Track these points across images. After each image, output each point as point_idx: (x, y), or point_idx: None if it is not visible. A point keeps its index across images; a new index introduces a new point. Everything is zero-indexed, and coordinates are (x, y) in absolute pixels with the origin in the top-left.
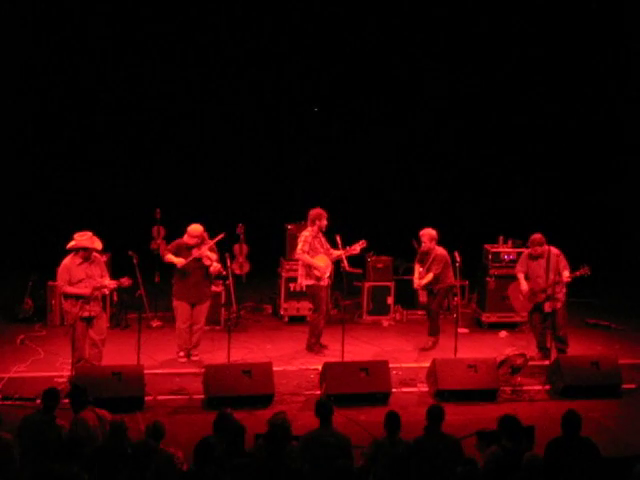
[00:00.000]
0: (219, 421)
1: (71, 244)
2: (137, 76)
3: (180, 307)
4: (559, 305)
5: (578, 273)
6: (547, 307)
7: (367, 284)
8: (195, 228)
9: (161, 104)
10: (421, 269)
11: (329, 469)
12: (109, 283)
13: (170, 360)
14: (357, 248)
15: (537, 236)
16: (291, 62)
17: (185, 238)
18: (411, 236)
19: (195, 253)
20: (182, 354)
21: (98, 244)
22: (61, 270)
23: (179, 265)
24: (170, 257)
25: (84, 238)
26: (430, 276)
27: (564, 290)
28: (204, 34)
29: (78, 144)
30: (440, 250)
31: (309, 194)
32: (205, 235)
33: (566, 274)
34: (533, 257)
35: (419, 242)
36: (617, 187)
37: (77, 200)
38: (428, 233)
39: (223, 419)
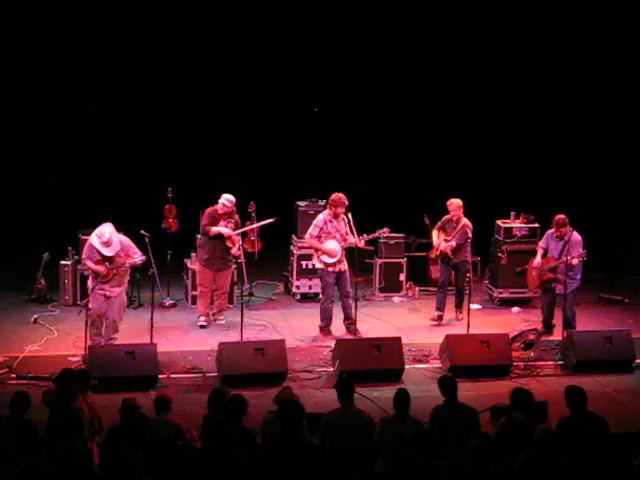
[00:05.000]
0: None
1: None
2: (147, 55)
3: (203, 272)
4: (566, 289)
5: (577, 257)
6: (557, 288)
7: (379, 261)
8: (230, 197)
9: (172, 82)
10: (446, 237)
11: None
12: (128, 262)
13: (183, 339)
14: (376, 235)
15: (560, 217)
16: (309, 33)
17: (219, 206)
18: (423, 212)
19: (225, 233)
20: (203, 318)
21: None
22: (86, 245)
23: (226, 235)
24: (217, 229)
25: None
26: (453, 244)
27: (573, 275)
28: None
29: (90, 123)
30: (467, 222)
31: (320, 172)
32: (234, 209)
33: (568, 258)
34: (555, 237)
35: (431, 219)
36: (635, 163)
37: (89, 179)
38: (456, 202)
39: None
